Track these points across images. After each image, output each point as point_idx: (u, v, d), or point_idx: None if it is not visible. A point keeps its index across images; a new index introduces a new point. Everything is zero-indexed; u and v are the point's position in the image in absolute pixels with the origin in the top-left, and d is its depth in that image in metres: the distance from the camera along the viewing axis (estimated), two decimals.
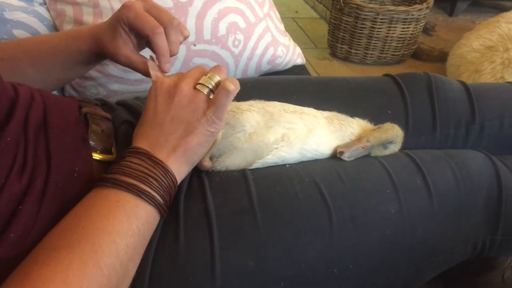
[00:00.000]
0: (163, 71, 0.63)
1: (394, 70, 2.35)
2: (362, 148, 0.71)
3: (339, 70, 2.37)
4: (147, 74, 0.65)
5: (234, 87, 0.57)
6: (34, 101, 0.59)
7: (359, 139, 0.73)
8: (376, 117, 0.78)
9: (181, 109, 0.57)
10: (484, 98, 0.82)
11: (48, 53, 0.71)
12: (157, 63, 0.64)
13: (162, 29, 0.62)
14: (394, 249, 0.66)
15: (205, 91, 0.58)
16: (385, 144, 0.72)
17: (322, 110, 0.77)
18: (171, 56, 0.65)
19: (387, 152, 0.73)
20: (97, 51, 0.68)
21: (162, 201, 0.55)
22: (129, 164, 0.54)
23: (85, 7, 0.90)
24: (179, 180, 0.58)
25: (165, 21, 0.63)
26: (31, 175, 0.52)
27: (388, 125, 0.73)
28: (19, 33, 0.87)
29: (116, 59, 0.66)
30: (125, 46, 0.65)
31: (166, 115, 0.57)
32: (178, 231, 0.60)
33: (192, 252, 0.59)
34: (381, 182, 0.67)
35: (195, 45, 0.96)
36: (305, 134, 0.70)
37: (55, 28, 0.94)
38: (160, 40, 0.62)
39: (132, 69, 0.66)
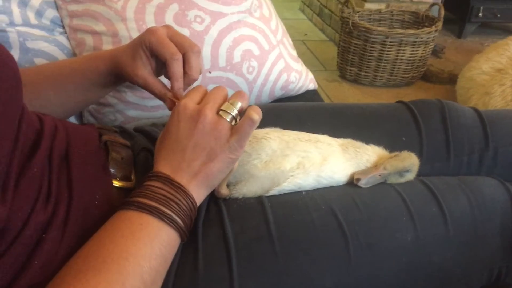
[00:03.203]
0: (176, 97, 0.64)
1: (404, 92, 2.36)
2: (379, 176, 0.72)
3: (348, 92, 2.39)
4: (161, 97, 0.66)
5: (258, 117, 0.58)
6: (58, 132, 0.61)
7: (375, 166, 0.73)
8: (391, 144, 0.79)
9: (204, 136, 0.58)
10: (497, 125, 0.83)
11: (67, 76, 0.73)
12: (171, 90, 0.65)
13: (181, 56, 0.64)
14: (411, 277, 0.66)
15: (228, 118, 0.59)
16: (401, 172, 0.73)
17: (337, 137, 0.78)
18: (191, 81, 0.66)
19: (403, 180, 0.74)
20: (116, 72, 0.70)
21: (183, 224, 0.56)
22: (151, 188, 0.56)
23: (104, 36, 0.92)
24: (198, 204, 0.60)
25: (186, 47, 0.65)
26: (55, 204, 0.54)
27: (405, 154, 0.74)
28: (40, 61, 0.89)
29: (133, 80, 0.68)
30: (144, 68, 0.67)
31: (189, 141, 0.58)
32: (197, 257, 0.61)
33: (211, 279, 0.60)
34: (397, 210, 0.68)
35: (210, 72, 0.98)
36: (320, 162, 0.71)
37: (75, 56, 0.96)
38: (176, 66, 0.64)
39: (148, 91, 0.68)
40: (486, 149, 0.81)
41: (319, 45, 3.04)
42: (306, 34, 3.20)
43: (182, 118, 0.59)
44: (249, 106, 0.60)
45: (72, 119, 0.98)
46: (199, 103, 0.60)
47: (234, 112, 0.59)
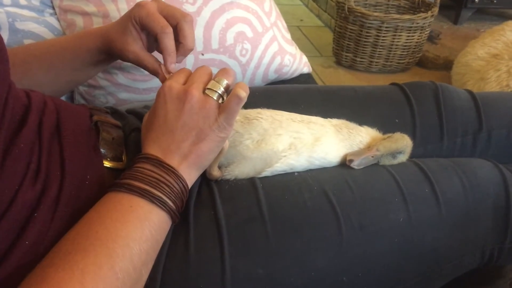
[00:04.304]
0: (168, 72, 0.64)
1: (399, 78, 2.36)
2: (372, 157, 0.72)
3: (344, 78, 2.38)
4: (154, 72, 0.65)
5: (245, 94, 0.57)
6: (47, 107, 0.60)
7: (368, 147, 0.73)
8: (384, 126, 0.78)
9: (193, 116, 0.57)
10: (491, 107, 0.83)
11: (56, 54, 0.71)
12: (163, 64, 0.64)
13: (171, 30, 0.63)
14: (403, 257, 0.66)
15: (215, 96, 0.58)
16: (394, 154, 0.73)
17: (331, 118, 0.78)
18: (187, 51, 0.65)
19: (395, 161, 0.73)
20: (106, 48, 0.69)
21: (174, 206, 0.55)
22: (142, 170, 0.55)
23: (95, 17, 0.91)
24: (190, 185, 0.59)
25: (178, 17, 0.64)
26: (45, 182, 0.53)
27: (398, 135, 0.74)
28: (29, 42, 0.88)
29: (124, 56, 0.67)
30: (134, 43, 0.66)
31: (177, 121, 0.57)
32: (188, 238, 0.61)
33: (202, 260, 0.60)
34: (390, 191, 0.68)
35: (203, 55, 0.97)
36: (312, 143, 0.70)
37: None
38: (168, 40, 0.63)
39: (140, 66, 0.67)
40: (479, 131, 0.81)
41: (315, 31, 3.02)
42: (301, 20, 3.18)
43: (169, 99, 0.58)
44: (236, 83, 0.59)
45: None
46: (184, 84, 0.59)
47: (221, 90, 0.59)
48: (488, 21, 3.10)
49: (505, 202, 0.71)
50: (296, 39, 2.71)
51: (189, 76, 0.61)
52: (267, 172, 0.69)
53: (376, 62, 2.37)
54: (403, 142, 0.73)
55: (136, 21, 0.64)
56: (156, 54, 0.68)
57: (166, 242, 0.60)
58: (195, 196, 0.66)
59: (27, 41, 0.88)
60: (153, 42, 0.67)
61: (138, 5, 0.64)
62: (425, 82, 0.87)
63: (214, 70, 0.62)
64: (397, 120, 0.82)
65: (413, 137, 0.78)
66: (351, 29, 2.32)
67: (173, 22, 0.64)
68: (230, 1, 0.99)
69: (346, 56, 2.43)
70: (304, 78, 1.20)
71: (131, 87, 0.95)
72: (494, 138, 0.81)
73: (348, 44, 2.38)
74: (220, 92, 0.59)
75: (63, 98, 0.96)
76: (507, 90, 1.80)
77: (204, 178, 0.68)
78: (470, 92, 0.86)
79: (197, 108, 0.57)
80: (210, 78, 0.60)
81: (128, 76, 0.94)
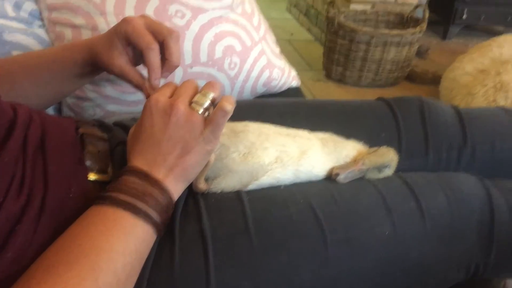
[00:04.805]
0: (152, 87, 0.64)
1: (388, 92, 2.38)
2: (358, 171, 0.72)
3: (334, 92, 2.39)
4: (138, 87, 0.65)
5: (231, 107, 0.58)
6: (33, 122, 0.60)
7: (354, 161, 0.74)
8: (370, 140, 0.79)
9: (179, 129, 0.58)
10: (475, 123, 0.84)
11: (44, 66, 0.71)
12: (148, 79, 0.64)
13: (157, 46, 0.63)
14: (388, 271, 0.67)
15: (201, 109, 0.59)
16: (380, 168, 0.73)
17: (317, 132, 0.78)
18: (173, 67, 0.65)
19: (381, 175, 0.74)
20: (92, 61, 0.69)
21: (159, 219, 0.55)
22: (127, 183, 0.55)
23: (83, 30, 0.91)
24: (175, 198, 0.59)
25: (164, 33, 0.64)
26: (29, 195, 0.53)
27: (384, 149, 0.74)
28: (17, 54, 0.88)
29: (110, 69, 0.67)
30: (120, 57, 0.66)
31: (163, 134, 0.58)
32: (173, 251, 0.61)
33: (187, 272, 0.59)
34: (375, 205, 0.68)
35: (191, 68, 0.97)
36: (298, 156, 0.71)
37: None
38: (153, 56, 0.63)
39: (125, 80, 0.67)
40: (464, 146, 0.82)
41: (305, 44, 3.04)
42: (292, 34, 3.20)
43: (155, 112, 0.58)
44: (223, 96, 0.59)
45: (51, 113, 0.97)
46: (170, 97, 0.60)
47: (207, 103, 0.59)
48: (476, 37, 3.15)
49: (489, 217, 0.71)
50: (286, 53, 2.73)
51: (176, 90, 0.61)
52: (253, 185, 0.69)
53: (365, 76, 2.39)
54: (388, 157, 0.74)
55: (122, 36, 0.64)
56: (143, 68, 0.68)
57: (151, 255, 0.60)
58: (181, 208, 0.66)
59: (15, 53, 0.88)
60: (140, 57, 0.68)
61: (124, 20, 0.64)
62: (410, 97, 0.88)
63: (203, 83, 0.62)
64: (383, 134, 0.82)
65: (398, 151, 0.78)
66: (341, 43, 2.34)
67: (159, 38, 0.64)
68: (219, 15, 0.99)
69: (336, 70, 2.45)
70: (292, 91, 1.20)
71: (120, 99, 0.95)
72: (478, 153, 0.82)
73: (338, 58, 2.40)
74: (206, 105, 0.59)
75: (50, 109, 0.96)
76: (494, 105, 1.82)
77: (191, 191, 0.68)
78: (455, 108, 0.87)
79: (183, 121, 0.58)
80: (196, 91, 0.61)
81: (116, 88, 0.94)
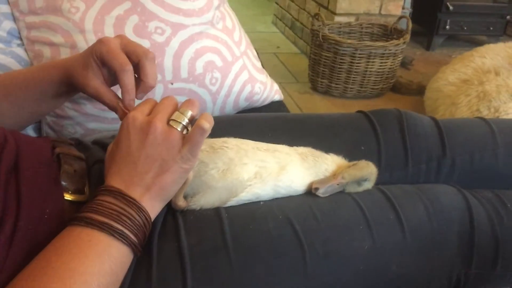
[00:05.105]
0: (126, 108, 0.63)
1: (374, 103, 2.40)
2: (337, 185, 0.72)
3: (320, 104, 2.41)
4: (112, 108, 0.65)
5: (209, 125, 0.57)
6: (7, 144, 0.59)
7: (334, 175, 0.74)
8: (350, 153, 0.79)
9: (156, 147, 0.57)
10: (454, 134, 0.85)
11: (20, 86, 0.71)
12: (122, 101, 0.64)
13: (131, 67, 0.62)
14: (369, 285, 0.66)
15: (179, 127, 0.58)
16: (359, 181, 0.73)
17: (297, 146, 0.78)
18: (148, 89, 0.65)
19: (361, 189, 0.74)
20: (68, 81, 0.68)
21: (135, 240, 0.54)
22: (102, 203, 0.54)
23: (62, 48, 0.91)
24: (153, 218, 0.58)
25: (140, 54, 0.64)
26: (1, 219, 0.52)
27: (363, 163, 0.75)
28: None
29: (85, 90, 0.66)
30: (95, 78, 0.65)
31: (140, 153, 0.57)
32: (151, 271, 0.60)
33: None
34: (354, 218, 0.68)
35: (172, 84, 0.97)
36: (277, 172, 0.71)
37: None
38: (127, 78, 0.62)
39: (100, 101, 0.66)
40: (443, 157, 0.82)
41: (291, 57, 3.06)
42: (278, 47, 3.22)
43: (132, 130, 0.58)
44: (201, 114, 0.59)
45: (31, 132, 0.96)
46: (148, 115, 0.59)
47: (185, 121, 0.59)
48: (460, 47, 3.20)
49: (469, 227, 0.71)
50: (273, 65, 2.77)
51: (154, 107, 0.61)
52: (232, 202, 0.69)
53: (351, 88, 2.41)
54: (368, 170, 0.74)
55: (97, 56, 0.63)
56: (119, 88, 0.68)
57: (128, 275, 0.59)
58: (160, 226, 0.65)
59: None
60: (115, 77, 0.67)
61: (99, 41, 0.64)
62: (389, 109, 0.88)
63: (183, 99, 0.62)
64: (362, 147, 0.83)
65: (378, 163, 0.79)
66: (325, 56, 2.36)
67: (134, 59, 0.64)
68: (199, 31, 1.00)
69: (321, 82, 2.46)
70: (275, 105, 1.21)
71: (100, 116, 0.95)
72: (458, 163, 0.83)
73: (323, 70, 2.42)
74: (184, 123, 0.59)
75: (30, 128, 0.96)
76: (477, 115, 1.84)
77: (170, 208, 0.68)
78: (434, 119, 0.88)
79: (161, 139, 0.57)
80: (175, 109, 0.60)
81: (96, 106, 0.93)
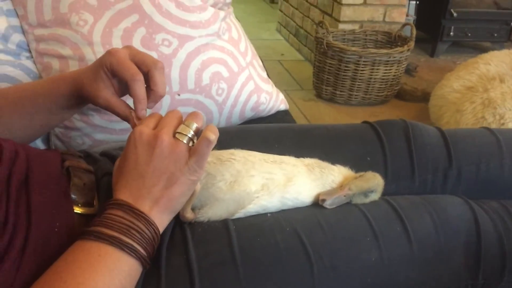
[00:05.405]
0: (138, 118, 0.64)
1: (378, 110, 2.40)
2: (344, 196, 0.72)
3: (324, 111, 2.41)
4: (125, 118, 0.66)
5: (215, 137, 0.58)
6: (18, 158, 0.60)
7: (341, 187, 0.74)
8: (356, 164, 0.79)
9: (163, 160, 0.58)
10: (460, 144, 0.85)
11: (30, 99, 0.71)
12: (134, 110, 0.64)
13: (141, 77, 0.63)
14: None
15: (185, 140, 0.59)
16: (366, 193, 0.74)
17: (303, 158, 0.79)
18: (158, 98, 0.65)
19: (367, 200, 0.74)
20: (78, 93, 0.69)
21: (145, 253, 0.55)
22: (112, 217, 0.55)
23: (71, 61, 0.92)
24: (161, 230, 0.59)
25: (149, 64, 0.64)
26: (12, 233, 0.53)
27: (369, 174, 0.75)
28: (5, 86, 0.88)
29: (95, 102, 0.67)
30: (106, 89, 0.66)
31: (148, 166, 0.58)
32: (159, 283, 0.61)
33: None
34: (361, 230, 0.68)
35: (179, 95, 0.98)
36: (284, 183, 0.71)
37: None
38: (138, 88, 0.63)
39: (111, 112, 0.67)
40: (449, 168, 0.83)
41: (296, 65, 3.07)
42: (282, 54, 3.23)
43: (139, 144, 0.58)
44: (206, 125, 0.59)
45: (39, 143, 0.97)
46: (154, 129, 0.60)
47: (190, 133, 0.59)
48: (464, 53, 3.20)
49: (476, 238, 0.71)
50: (277, 73, 2.78)
51: (160, 121, 0.61)
52: (240, 214, 0.69)
53: (355, 95, 2.42)
54: (374, 181, 0.74)
55: (107, 68, 0.64)
56: (129, 98, 0.69)
57: None
58: (168, 239, 0.66)
59: (2, 85, 0.88)
60: (125, 87, 0.68)
61: (108, 52, 0.64)
62: (395, 120, 0.89)
63: (190, 110, 0.62)
64: (368, 158, 0.83)
65: (384, 174, 0.79)
66: (330, 63, 2.37)
67: (144, 69, 0.64)
68: (206, 42, 1.01)
69: (326, 89, 2.47)
70: (281, 115, 1.21)
71: (108, 128, 0.96)
72: (464, 174, 0.83)
73: (327, 78, 2.42)
74: (190, 136, 0.59)
75: (39, 139, 0.96)
76: (482, 122, 1.84)
77: (178, 221, 0.68)
78: (440, 130, 0.88)
79: (167, 152, 0.58)
80: (180, 122, 0.61)
81: (104, 117, 0.94)
